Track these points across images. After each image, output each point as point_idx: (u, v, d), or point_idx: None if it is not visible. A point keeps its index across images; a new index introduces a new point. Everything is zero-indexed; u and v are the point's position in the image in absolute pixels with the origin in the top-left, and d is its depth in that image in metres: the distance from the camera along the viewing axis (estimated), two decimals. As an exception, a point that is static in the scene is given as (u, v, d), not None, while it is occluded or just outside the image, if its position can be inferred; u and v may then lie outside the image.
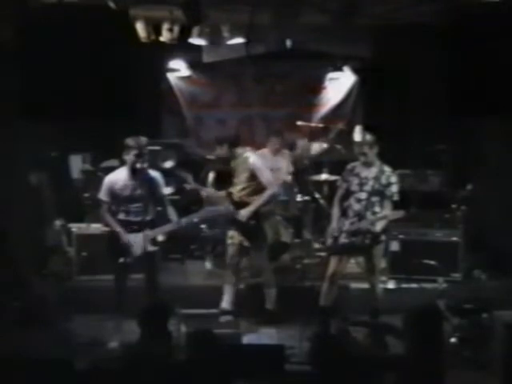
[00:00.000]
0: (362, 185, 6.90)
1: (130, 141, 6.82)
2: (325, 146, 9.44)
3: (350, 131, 9.88)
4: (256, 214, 7.25)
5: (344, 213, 6.99)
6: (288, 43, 8.80)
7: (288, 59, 9.88)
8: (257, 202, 7.23)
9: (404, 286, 8.02)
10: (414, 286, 7.97)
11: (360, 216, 6.86)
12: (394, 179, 6.93)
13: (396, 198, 6.92)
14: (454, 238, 8.14)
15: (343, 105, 10.39)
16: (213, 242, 8.65)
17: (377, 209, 6.88)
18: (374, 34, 9.01)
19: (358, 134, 7.06)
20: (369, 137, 6.95)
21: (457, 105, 5.69)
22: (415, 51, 9.05)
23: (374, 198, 6.87)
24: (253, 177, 7.26)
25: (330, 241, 7.00)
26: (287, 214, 8.38)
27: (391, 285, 8.04)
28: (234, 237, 7.37)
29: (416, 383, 4.45)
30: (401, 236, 8.21)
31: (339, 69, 10.21)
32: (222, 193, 7.38)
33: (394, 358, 5.10)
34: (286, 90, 10.34)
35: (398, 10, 7.87)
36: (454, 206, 8.54)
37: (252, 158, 7.31)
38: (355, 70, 10.20)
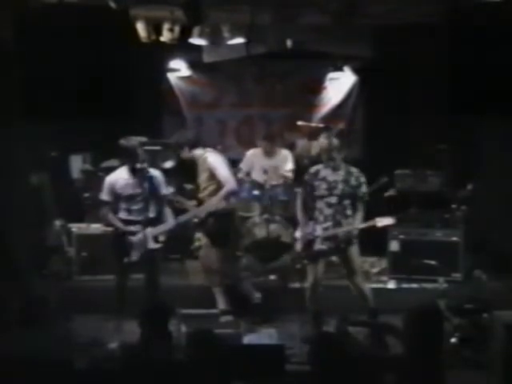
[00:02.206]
0: (331, 189, 6.84)
1: (122, 141, 6.85)
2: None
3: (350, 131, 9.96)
4: (214, 212, 7.20)
5: (311, 217, 6.94)
6: (288, 43, 8.79)
7: (288, 59, 9.87)
8: (213, 199, 7.19)
9: (404, 285, 8.02)
10: (414, 285, 7.98)
11: (334, 220, 6.82)
12: (362, 179, 6.91)
13: (367, 198, 6.91)
14: (454, 238, 8.14)
15: (343, 105, 10.37)
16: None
17: (349, 212, 6.86)
18: (374, 33, 9.01)
19: (324, 139, 7.02)
20: (336, 141, 6.92)
21: (457, 104, 5.70)
22: (415, 51, 9.05)
23: (346, 201, 6.84)
24: (212, 176, 7.26)
25: (299, 246, 6.98)
26: (287, 213, 8.37)
27: (391, 285, 8.04)
28: (200, 238, 7.38)
29: (416, 383, 4.45)
30: (401, 236, 8.21)
31: (339, 69, 10.20)
32: (192, 202, 7.40)
33: (394, 358, 5.09)
34: (286, 90, 10.33)
35: (397, 10, 7.87)
36: (454, 206, 8.53)
37: (210, 157, 7.32)
38: (355, 70, 10.18)
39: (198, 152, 7.37)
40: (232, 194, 7.38)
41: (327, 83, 10.38)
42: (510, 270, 7.92)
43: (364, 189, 6.90)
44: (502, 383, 5.46)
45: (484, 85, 5.52)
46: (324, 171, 6.91)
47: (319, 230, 6.86)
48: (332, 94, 10.39)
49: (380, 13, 8.01)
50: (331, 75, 10.33)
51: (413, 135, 9.70)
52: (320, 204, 6.88)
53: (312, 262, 6.92)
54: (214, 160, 7.31)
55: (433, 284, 7.51)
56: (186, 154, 7.39)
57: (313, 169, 7.02)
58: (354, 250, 6.95)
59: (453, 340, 6.34)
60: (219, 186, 7.24)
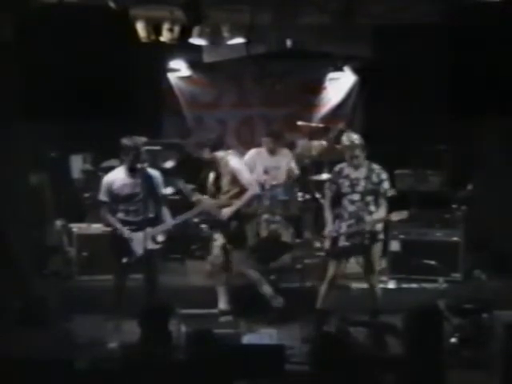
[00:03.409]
0: (353, 186, 6.89)
1: (125, 141, 6.83)
2: (325, 145, 9.43)
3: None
4: (238, 216, 7.26)
5: (337, 215, 6.99)
6: (288, 43, 8.79)
7: (288, 59, 9.87)
8: (238, 202, 7.25)
9: (404, 285, 8.02)
10: (414, 285, 7.97)
11: (357, 217, 6.86)
12: (384, 176, 6.94)
13: (390, 193, 6.94)
14: (454, 238, 8.14)
15: (343, 105, 10.38)
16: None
17: (372, 208, 6.89)
18: (374, 33, 9.01)
19: (348, 137, 7.03)
20: (359, 140, 6.94)
21: (457, 105, 5.70)
22: (415, 51, 9.04)
23: (368, 198, 6.88)
24: (234, 179, 7.29)
25: (327, 244, 7.01)
26: (287, 213, 8.36)
27: (391, 285, 8.04)
28: (217, 239, 7.39)
29: (416, 383, 4.45)
30: (401, 236, 8.21)
31: (339, 69, 10.20)
32: (209, 199, 7.39)
33: (394, 358, 5.10)
34: (286, 90, 10.33)
35: (398, 10, 7.87)
36: (454, 206, 8.53)
37: (232, 160, 7.34)
38: (355, 70, 10.19)
39: (219, 154, 7.38)
40: (255, 198, 7.48)
41: (327, 83, 10.39)
42: (510, 270, 7.92)
43: (386, 185, 6.92)
44: (502, 383, 5.45)
45: (484, 85, 5.52)
46: (347, 169, 6.97)
47: (344, 227, 6.90)
48: (332, 94, 10.39)
49: (380, 13, 8.01)
50: (331, 75, 10.33)
51: (413, 135, 9.69)
52: (344, 201, 6.94)
53: (335, 259, 6.94)
54: (236, 163, 7.36)
55: (433, 284, 7.52)
56: (206, 154, 7.36)
57: (337, 167, 7.07)
58: (377, 249, 6.98)
59: (453, 340, 6.34)
60: (241, 189, 7.29)
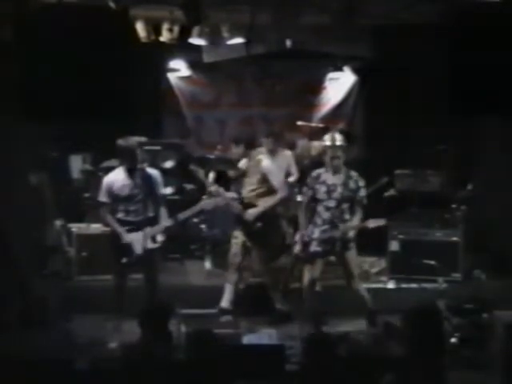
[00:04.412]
0: (330, 192, 6.87)
1: (120, 142, 6.85)
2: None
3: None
4: (262, 216, 7.27)
5: (311, 220, 6.97)
6: (288, 43, 8.80)
7: (288, 59, 9.87)
8: (266, 203, 7.29)
9: (404, 285, 8.03)
10: (413, 285, 7.98)
11: (331, 224, 6.85)
12: (361, 183, 6.92)
13: (365, 201, 6.91)
14: (454, 238, 8.14)
15: (343, 105, 10.39)
16: (213, 241, 8.65)
17: (347, 216, 6.88)
18: (374, 33, 9.01)
19: (331, 137, 7.00)
20: (342, 141, 6.92)
21: (457, 105, 5.70)
22: (415, 51, 9.05)
23: (344, 205, 6.86)
24: (264, 180, 7.31)
25: (298, 248, 7.01)
26: (287, 213, 8.36)
27: (391, 285, 8.04)
28: (238, 236, 7.39)
29: (416, 383, 4.45)
30: (401, 236, 8.21)
31: (339, 69, 10.21)
32: (231, 193, 7.41)
33: (394, 358, 5.09)
34: (286, 90, 10.34)
35: (398, 10, 7.87)
36: (453, 206, 8.53)
37: (265, 161, 7.40)
38: (355, 70, 10.20)
39: (253, 152, 7.46)
40: (283, 201, 7.53)
41: (327, 83, 10.40)
42: (510, 270, 7.92)
43: (362, 192, 6.90)
44: (502, 383, 5.46)
45: (484, 85, 5.51)
46: (325, 175, 6.94)
47: (317, 233, 6.90)
48: (332, 94, 10.40)
49: (380, 13, 8.02)
50: (331, 75, 10.34)
51: (413, 135, 9.70)
52: (319, 207, 6.92)
53: (308, 263, 6.96)
54: (268, 164, 7.44)
55: (432, 284, 7.51)
56: (239, 151, 7.37)
57: (315, 172, 7.04)
58: (351, 254, 6.97)
59: (453, 340, 6.34)
60: (269, 189, 7.32)
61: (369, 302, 7.00)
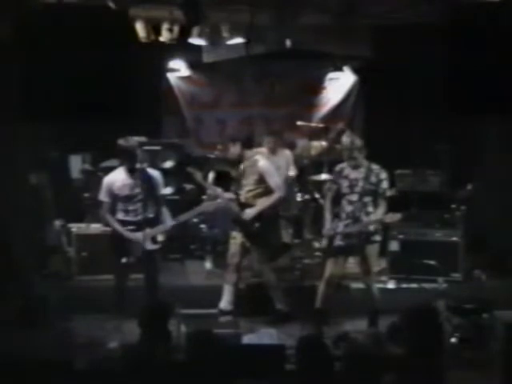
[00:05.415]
0: (352, 186, 6.89)
1: (120, 142, 6.85)
2: (325, 145, 9.43)
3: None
4: (260, 216, 7.27)
5: (336, 215, 6.99)
6: (288, 43, 8.79)
7: (288, 59, 9.87)
8: (264, 203, 7.27)
9: (404, 286, 8.02)
10: (413, 285, 7.97)
11: (354, 217, 6.86)
12: (383, 175, 6.93)
13: (388, 193, 6.93)
14: (454, 238, 8.14)
15: (343, 105, 10.39)
16: (213, 241, 8.65)
17: (370, 209, 6.88)
18: (374, 33, 9.01)
19: (346, 138, 7.02)
20: (358, 141, 6.94)
21: (457, 104, 5.70)
22: (415, 51, 9.05)
23: (366, 199, 6.86)
24: (261, 180, 7.30)
25: (324, 243, 7.04)
26: (287, 213, 8.37)
27: (391, 285, 8.04)
28: (236, 237, 7.38)
29: (416, 383, 4.45)
30: (401, 236, 8.21)
31: (339, 69, 10.21)
32: (229, 194, 7.40)
33: (394, 358, 5.09)
34: (286, 90, 10.34)
35: (398, 10, 7.87)
36: (453, 206, 8.54)
37: (261, 161, 7.37)
38: (355, 70, 10.19)
39: (249, 152, 7.41)
40: (281, 201, 7.49)
41: (327, 83, 10.40)
42: (510, 270, 7.92)
43: (385, 184, 6.91)
44: (502, 383, 5.46)
45: (484, 84, 5.52)
46: (347, 169, 6.97)
47: (341, 227, 6.91)
48: (332, 94, 10.40)
49: (380, 13, 8.02)
50: (331, 75, 10.34)
51: (413, 135, 9.70)
52: (342, 201, 6.94)
53: (331, 258, 6.95)
54: (265, 165, 7.38)
55: (432, 284, 7.51)
56: (236, 150, 7.37)
57: (338, 167, 7.07)
58: (372, 249, 6.95)
59: (453, 340, 6.34)
60: (266, 190, 7.30)
61: (377, 303, 6.98)
